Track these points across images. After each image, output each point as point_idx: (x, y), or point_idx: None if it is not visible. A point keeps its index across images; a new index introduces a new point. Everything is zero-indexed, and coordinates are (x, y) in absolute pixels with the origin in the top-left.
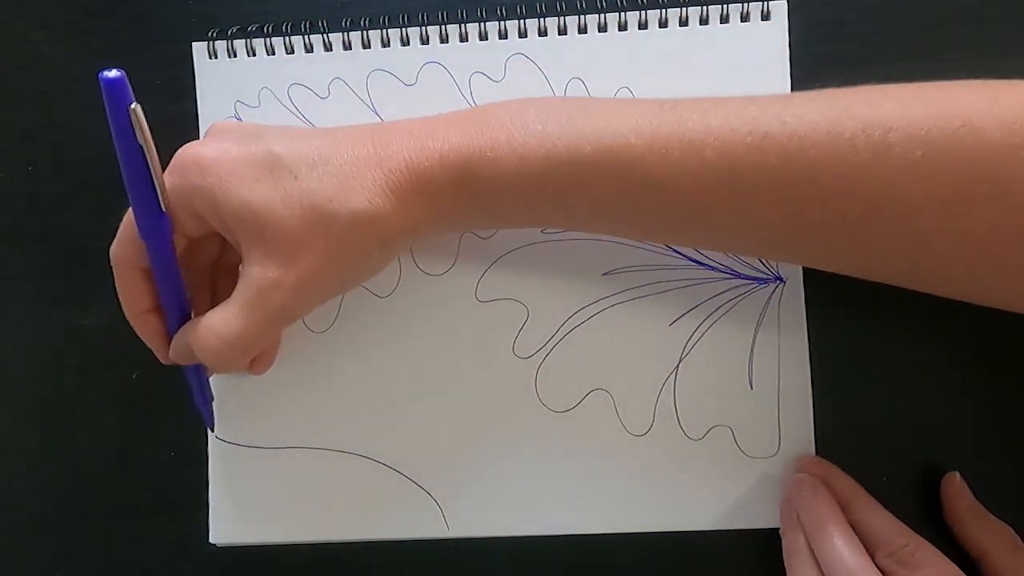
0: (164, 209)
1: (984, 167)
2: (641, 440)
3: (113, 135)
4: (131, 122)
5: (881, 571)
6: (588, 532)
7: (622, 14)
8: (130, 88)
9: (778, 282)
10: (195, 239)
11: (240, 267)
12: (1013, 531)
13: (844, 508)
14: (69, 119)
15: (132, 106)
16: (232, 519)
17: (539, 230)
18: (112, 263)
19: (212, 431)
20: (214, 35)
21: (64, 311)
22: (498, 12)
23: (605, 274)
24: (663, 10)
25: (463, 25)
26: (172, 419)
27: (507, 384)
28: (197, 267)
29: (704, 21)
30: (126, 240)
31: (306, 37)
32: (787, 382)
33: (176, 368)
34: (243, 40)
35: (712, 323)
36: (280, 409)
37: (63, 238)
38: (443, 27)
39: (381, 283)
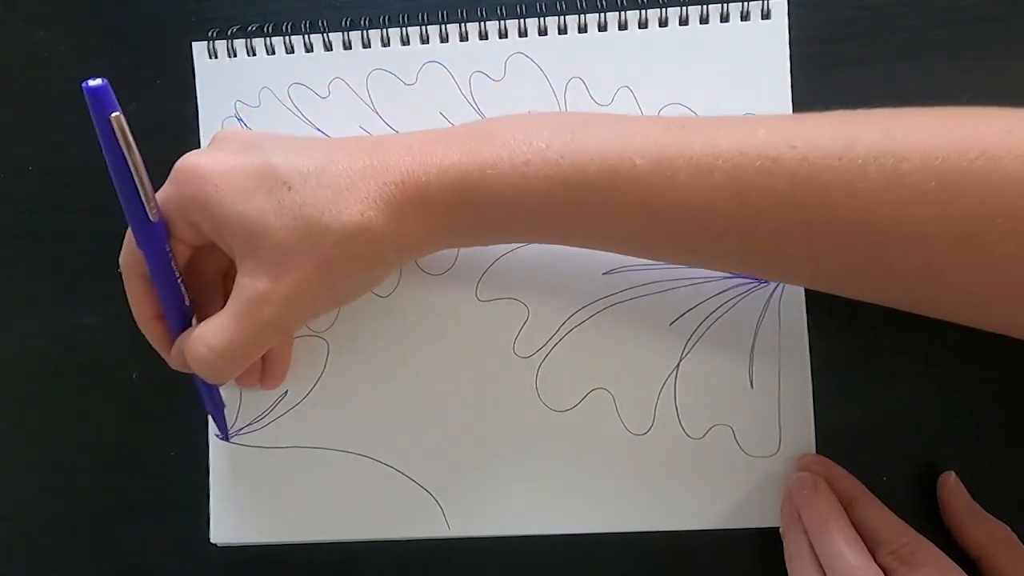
0: (152, 217)
1: (1000, 200)
2: (641, 440)
3: (101, 143)
4: (113, 131)
5: (882, 569)
6: (588, 532)
7: (622, 13)
8: (113, 96)
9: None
10: (200, 248)
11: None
12: (1011, 530)
13: (845, 506)
14: (69, 119)
15: (114, 115)
16: (232, 519)
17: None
18: (121, 270)
19: (227, 440)
20: (214, 35)
21: (64, 311)
22: (498, 12)
23: (605, 274)
24: (663, 9)
25: (463, 25)
26: (172, 419)
27: (507, 384)
28: (206, 277)
29: (704, 20)
30: (128, 248)
31: (306, 37)
32: (787, 381)
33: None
34: (243, 40)
35: (712, 323)
36: (280, 409)
37: (63, 238)
38: (443, 27)
39: (381, 283)
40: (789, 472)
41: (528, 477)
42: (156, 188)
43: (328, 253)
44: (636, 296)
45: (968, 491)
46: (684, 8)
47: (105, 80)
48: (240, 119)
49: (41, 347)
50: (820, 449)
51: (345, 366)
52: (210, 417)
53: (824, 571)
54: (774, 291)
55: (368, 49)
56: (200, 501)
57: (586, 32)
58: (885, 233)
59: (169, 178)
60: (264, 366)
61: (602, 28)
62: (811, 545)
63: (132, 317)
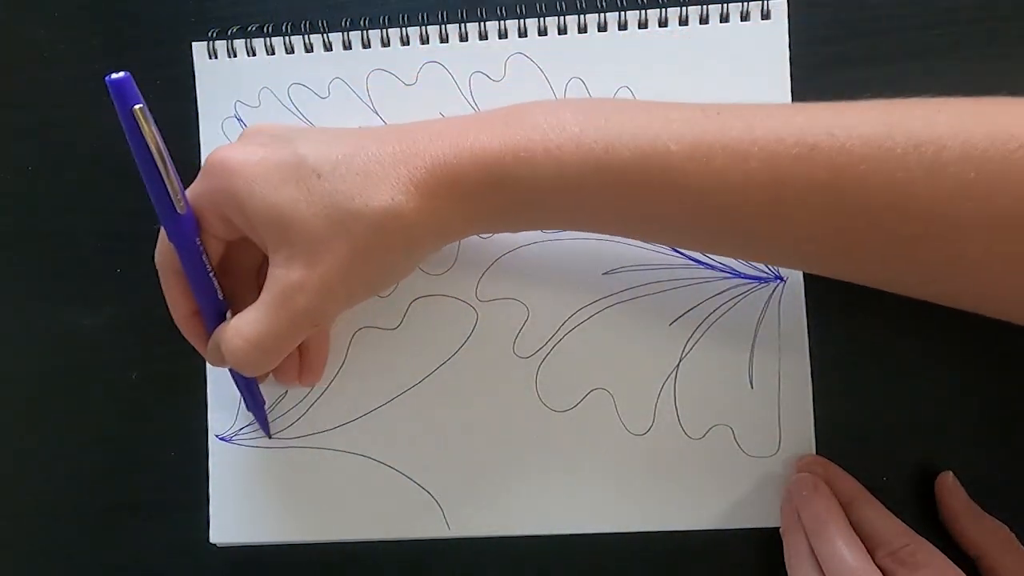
0: (180, 210)
1: None
2: (641, 440)
3: (127, 137)
4: (137, 123)
5: (881, 570)
6: (588, 532)
7: (622, 14)
8: (136, 89)
9: (778, 282)
10: (232, 243)
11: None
12: (1009, 530)
13: (845, 507)
14: (69, 119)
15: (137, 107)
16: (232, 519)
17: (539, 229)
18: (157, 268)
19: (269, 437)
20: (214, 35)
21: (64, 311)
22: (498, 12)
23: (605, 274)
24: (663, 9)
25: (463, 25)
26: (172, 419)
27: (507, 384)
28: (240, 273)
29: (704, 20)
30: (162, 244)
31: (306, 37)
32: (787, 381)
33: (174, 368)
34: (243, 40)
35: (712, 323)
36: (280, 409)
37: (63, 238)
38: (443, 27)
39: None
40: (789, 472)
41: (528, 477)
42: (186, 184)
43: (360, 239)
44: (636, 296)
45: (967, 491)
46: (684, 8)
47: (127, 73)
48: (240, 119)
49: (41, 347)
50: (820, 449)
51: (345, 366)
52: (252, 415)
53: (824, 571)
54: (774, 291)
55: (368, 49)
56: (200, 501)
57: (586, 32)
58: (923, 222)
59: (200, 173)
60: (302, 360)
61: (602, 28)
62: (811, 545)
63: (132, 317)
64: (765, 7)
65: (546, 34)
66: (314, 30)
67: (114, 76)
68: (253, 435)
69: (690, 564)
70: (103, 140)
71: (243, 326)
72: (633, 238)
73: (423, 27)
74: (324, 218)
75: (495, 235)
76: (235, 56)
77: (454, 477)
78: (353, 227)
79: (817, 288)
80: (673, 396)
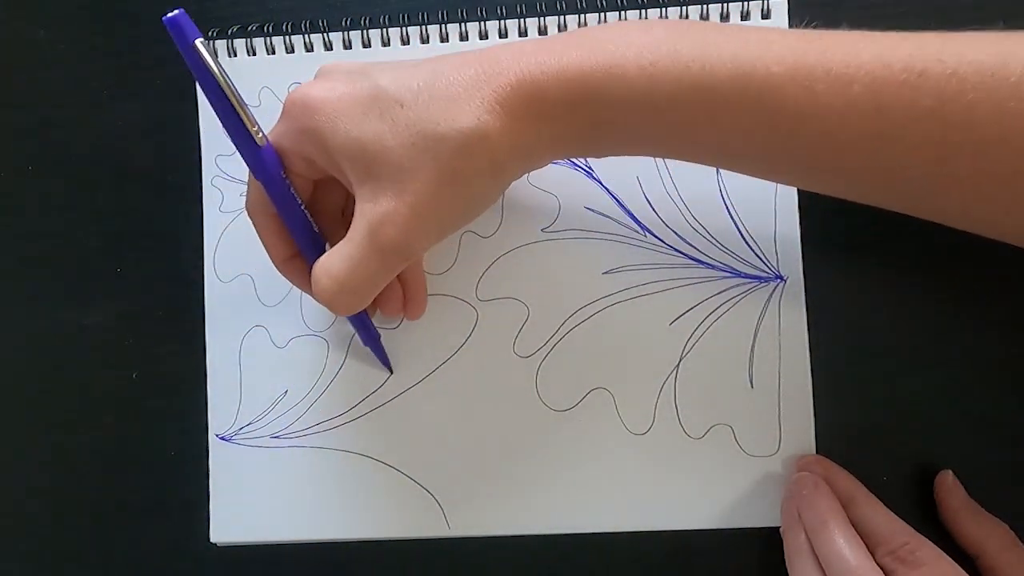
0: (259, 142)
1: None
2: (641, 439)
3: (194, 75)
4: (200, 57)
5: (882, 569)
6: (588, 531)
7: (622, 13)
8: (193, 25)
9: (778, 281)
10: (318, 183)
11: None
12: (1009, 529)
13: (845, 506)
14: (69, 119)
15: (197, 41)
16: (232, 519)
17: (539, 228)
18: (248, 215)
19: (391, 372)
20: (214, 35)
21: (64, 311)
22: (498, 12)
23: (605, 274)
24: (663, 9)
25: (463, 25)
26: (172, 419)
27: (507, 383)
28: (328, 214)
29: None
30: (251, 189)
31: (306, 37)
32: (787, 381)
33: (174, 368)
34: (243, 40)
35: (712, 322)
36: (280, 409)
37: (63, 238)
38: (443, 27)
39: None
40: (789, 472)
41: (528, 477)
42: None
43: (448, 163)
44: (636, 296)
45: (967, 490)
46: (684, 8)
47: (182, 10)
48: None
49: (41, 347)
50: (820, 449)
51: (345, 366)
52: (370, 350)
53: (824, 571)
54: (774, 291)
55: (368, 49)
56: (200, 501)
57: None
58: None
59: (281, 114)
60: (405, 292)
61: None
62: (811, 545)
63: (132, 317)
64: (765, 7)
65: (546, 34)
66: (314, 30)
67: (170, 15)
68: (253, 435)
69: (690, 564)
70: (103, 140)
71: (331, 264)
72: (721, 167)
73: (423, 27)
74: (410, 147)
75: (495, 235)
76: (235, 56)
77: (454, 477)
78: (439, 152)
79: (817, 288)
80: (673, 396)
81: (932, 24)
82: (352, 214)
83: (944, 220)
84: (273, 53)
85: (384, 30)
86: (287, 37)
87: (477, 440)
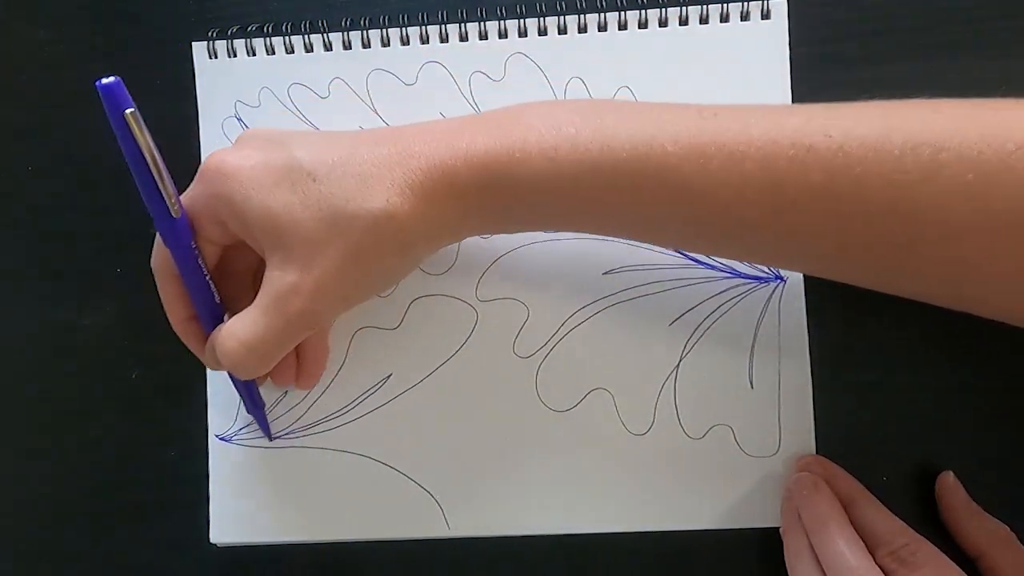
0: (174, 213)
1: None
2: (641, 440)
3: (119, 142)
4: (129, 128)
5: (882, 569)
6: (588, 532)
7: (622, 13)
8: (127, 93)
9: (778, 281)
10: (229, 248)
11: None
12: (1009, 529)
13: (845, 507)
14: (69, 119)
15: (128, 111)
16: (232, 519)
17: (535, 231)
18: (153, 271)
19: (270, 439)
20: (214, 35)
21: (64, 311)
22: (498, 12)
23: (605, 274)
24: (663, 9)
25: (463, 25)
26: (172, 419)
27: (507, 384)
28: (237, 277)
29: (704, 20)
30: (158, 249)
31: (306, 37)
32: (787, 381)
33: (174, 368)
34: (243, 40)
35: (712, 323)
36: (279, 409)
37: (63, 238)
38: (443, 27)
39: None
40: (789, 472)
41: (528, 477)
42: (181, 189)
43: (356, 241)
44: (636, 296)
45: (967, 491)
46: (684, 8)
47: (118, 77)
48: (240, 119)
49: (40, 347)
50: (820, 449)
51: (345, 366)
52: (253, 418)
53: (824, 571)
54: (774, 291)
55: (368, 49)
56: (200, 501)
57: (586, 32)
58: (921, 224)
59: (196, 178)
60: (299, 363)
61: (602, 28)
62: (811, 545)
63: (132, 317)
64: (765, 7)
65: (546, 34)
66: (314, 30)
67: (104, 81)
68: (253, 435)
69: (690, 564)
70: (102, 140)
71: (238, 329)
72: (631, 239)
73: (423, 27)
74: (319, 221)
75: (494, 236)
76: (235, 56)
77: (454, 477)
78: (348, 230)
79: (817, 288)
80: (673, 396)
81: (932, 21)
82: (261, 280)
83: (863, 285)
84: (273, 53)
85: (384, 30)
86: (287, 37)
87: (477, 440)
